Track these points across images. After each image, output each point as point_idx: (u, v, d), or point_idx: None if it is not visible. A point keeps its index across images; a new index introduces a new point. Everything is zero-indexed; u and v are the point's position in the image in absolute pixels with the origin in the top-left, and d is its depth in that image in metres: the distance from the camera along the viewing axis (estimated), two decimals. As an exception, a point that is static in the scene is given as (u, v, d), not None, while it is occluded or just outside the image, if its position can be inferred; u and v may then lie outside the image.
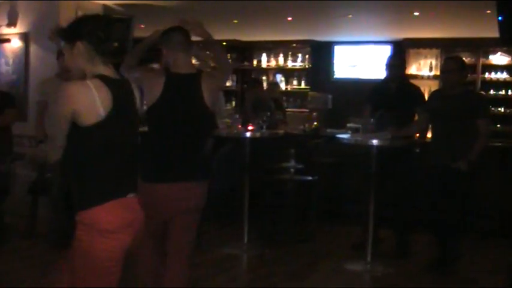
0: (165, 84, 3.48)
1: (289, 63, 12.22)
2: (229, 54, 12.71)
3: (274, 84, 10.02)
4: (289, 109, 12.01)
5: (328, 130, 7.66)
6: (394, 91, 5.73)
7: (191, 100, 3.56)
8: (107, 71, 2.68)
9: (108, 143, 2.61)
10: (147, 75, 3.60)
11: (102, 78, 2.60)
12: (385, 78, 5.86)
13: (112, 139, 2.63)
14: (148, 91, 3.52)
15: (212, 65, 8.37)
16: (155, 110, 3.51)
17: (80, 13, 7.36)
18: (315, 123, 7.94)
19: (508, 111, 10.40)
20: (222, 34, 11.81)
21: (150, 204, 3.17)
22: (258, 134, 5.77)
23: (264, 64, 12.46)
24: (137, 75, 3.50)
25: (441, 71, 5.47)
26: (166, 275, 3.64)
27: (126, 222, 2.68)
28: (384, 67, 5.82)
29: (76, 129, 2.56)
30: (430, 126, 5.43)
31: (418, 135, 5.80)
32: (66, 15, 7.24)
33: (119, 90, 2.65)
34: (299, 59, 12.13)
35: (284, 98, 12.35)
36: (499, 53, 10.50)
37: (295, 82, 12.29)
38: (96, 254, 2.62)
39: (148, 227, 3.05)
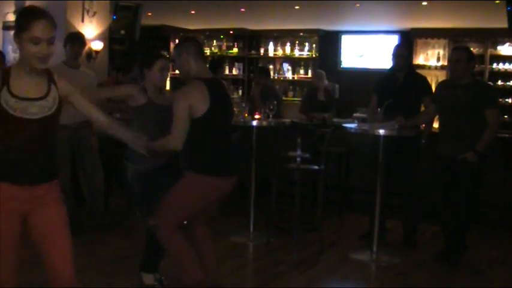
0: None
1: (296, 52, 12.19)
2: (236, 43, 12.73)
3: None
4: (295, 98, 12.04)
5: (335, 120, 7.66)
6: (400, 81, 5.71)
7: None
8: None
9: None
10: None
11: None
12: (392, 68, 5.84)
13: None
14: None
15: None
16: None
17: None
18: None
19: (516, 101, 10.37)
20: (229, 23, 11.81)
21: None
22: (264, 123, 5.76)
23: (271, 53, 12.44)
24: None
25: (449, 61, 5.44)
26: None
27: None
28: (391, 57, 5.80)
29: None
30: (438, 116, 5.41)
31: (423, 126, 5.79)
32: (73, 2, 7.25)
33: None
34: (306, 48, 12.09)
35: (290, 87, 12.37)
36: (508, 44, 10.45)
37: (302, 71, 12.26)
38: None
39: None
